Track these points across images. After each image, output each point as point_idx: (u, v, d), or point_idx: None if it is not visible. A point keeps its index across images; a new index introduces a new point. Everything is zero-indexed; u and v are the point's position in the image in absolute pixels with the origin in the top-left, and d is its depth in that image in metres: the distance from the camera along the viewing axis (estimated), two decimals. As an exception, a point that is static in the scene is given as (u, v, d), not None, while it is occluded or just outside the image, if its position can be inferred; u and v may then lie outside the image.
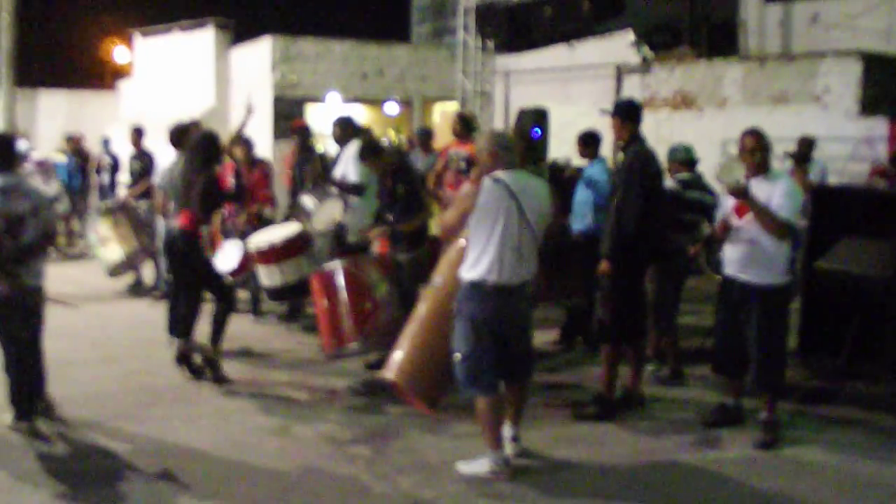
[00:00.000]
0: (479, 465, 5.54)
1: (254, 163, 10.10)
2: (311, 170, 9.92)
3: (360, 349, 7.22)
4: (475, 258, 5.35)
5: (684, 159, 7.84)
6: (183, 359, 7.57)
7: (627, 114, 6.72)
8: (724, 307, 6.44)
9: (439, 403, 6.21)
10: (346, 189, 8.52)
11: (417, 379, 5.99)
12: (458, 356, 5.47)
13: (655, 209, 6.59)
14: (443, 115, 21.72)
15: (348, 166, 8.56)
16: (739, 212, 6.18)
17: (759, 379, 6.25)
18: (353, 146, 8.62)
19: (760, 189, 6.08)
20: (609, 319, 6.62)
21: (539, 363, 8.06)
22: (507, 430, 5.75)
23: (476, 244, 5.36)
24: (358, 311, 7.03)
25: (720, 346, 6.57)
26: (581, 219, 8.22)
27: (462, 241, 5.92)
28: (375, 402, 6.94)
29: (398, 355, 6.09)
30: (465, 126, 10.35)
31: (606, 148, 7.09)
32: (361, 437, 6.26)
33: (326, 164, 10.10)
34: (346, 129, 8.88)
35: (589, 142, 8.50)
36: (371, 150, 7.79)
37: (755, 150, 6.14)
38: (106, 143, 15.70)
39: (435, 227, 8.73)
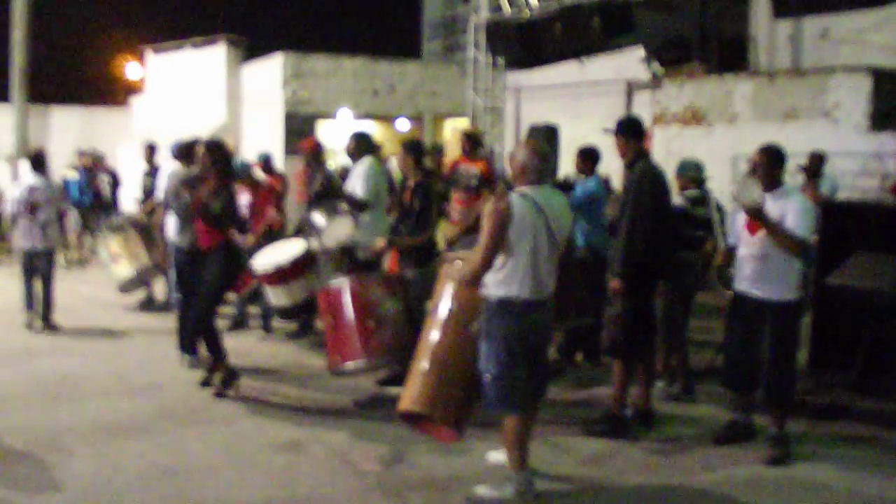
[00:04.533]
0: (503, 489, 5.44)
1: (257, 184, 10.18)
2: (314, 186, 9.93)
3: (366, 367, 7.17)
4: (505, 275, 5.23)
5: (694, 177, 7.80)
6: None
7: (631, 131, 6.70)
8: (735, 322, 6.43)
9: (465, 428, 5.89)
10: (352, 205, 8.53)
11: (444, 406, 5.67)
12: (488, 376, 5.31)
13: (664, 226, 6.59)
14: (454, 131, 21.79)
15: (357, 182, 8.58)
16: (751, 228, 6.18)
17: (769, 394, 6.24)
18: (365, 163, 8.64)
19: (773, 205, 6.09)
20: (620, 337, 6.61)
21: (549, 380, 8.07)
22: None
23: (506, 261, 5.22)
24: (363, 329, 7.00)
25: (730, 361, 6.55)
26: (579, 235, 8.24)
27: (460, 263, 5.83)
28: (385, 418, 6.94)
29: (418, 387, 5.72)
30: (472, 143, 10.43)
31: (616, 165, 7.08)
32: (371, 453, 6.26)
33: (335, 181, 10.13)
34: (359, 145, 8.87)
35: (589, 156, 8.54)
36: (416, 148, 7.97)
37: (762, 166, 6.17)
38: (101, 159, 15.76)
39: (443, 242, 8.76)
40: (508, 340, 5.26)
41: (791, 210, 6.03)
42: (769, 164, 6.18)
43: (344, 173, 11.75)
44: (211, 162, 7.47)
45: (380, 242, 8.01)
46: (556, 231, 5.30)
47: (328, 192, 9.40)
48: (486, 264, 5.21)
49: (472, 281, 5.34)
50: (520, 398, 5.34)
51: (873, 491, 5.75)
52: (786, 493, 5.68)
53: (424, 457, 6.13)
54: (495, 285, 5.28)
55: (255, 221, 9.78)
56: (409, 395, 5.73)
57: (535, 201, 5.22)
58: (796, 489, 5.75)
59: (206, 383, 7.74)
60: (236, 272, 7.84)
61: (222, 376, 7.61)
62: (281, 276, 8.51)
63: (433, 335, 5.79)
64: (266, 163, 11.30)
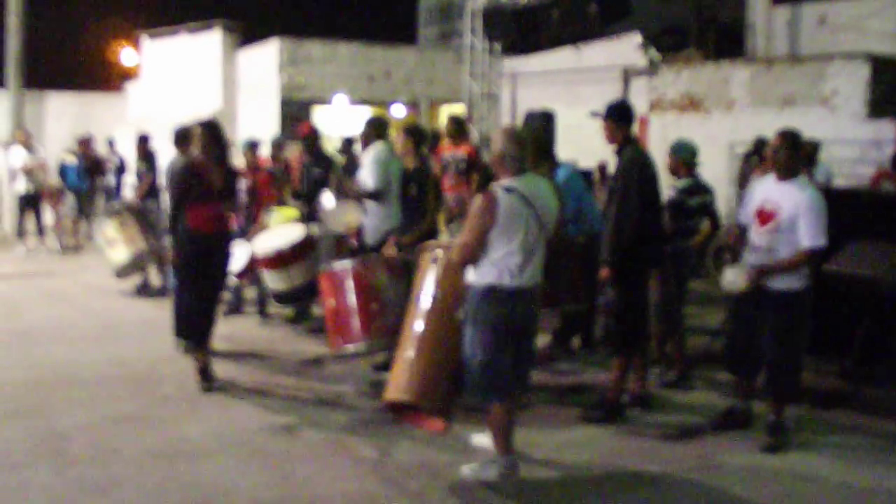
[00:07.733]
0: (488, 470, 5.48)
1: (258, 167, 10.20)
2: (312, 173, 9.89)
3: (367, 349, 7.20)
4: (494, 264, 5.24)
5: (688, 161, 7.72)
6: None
7: (620, 116, 6.60)
8: (740, 309, 6.36)
9: (452, 416, 5.86)
10: (364, 196, 8.39)
11: (432, 395, 5.63)
12: (475, 362, 5.30)
13: (653, 212, 6.56)
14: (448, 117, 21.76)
15: (367, 170, 8.34)
16: (762, 218, 6.12)
17: (771, 383, 6.20)
18: (375, 148, 8.42)
19: (786, 194, 6.00)
20: (617, 327, 6.58)
21: (545, 366, 8.07)
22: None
23: (495, 251, 5.23)
24: (365, 312, 6.99)
25: (734, 347, 6.51)
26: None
27: (440, 252, 5.84)
28: (382, 404, 6.93)
29: (405, 376, 5.66)
30: (457, 128, 10.38)
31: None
32: (368, 439, 6.26)
33: (336, 168, 10.09)
34: (369, 131, 8.55)
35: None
36: (415, 132, 7.90)
37: (779, 149, 6.06)
38: (111, 144, 15.73)
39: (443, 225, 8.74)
40: (495, 326, 5.27)
41: (804, 212, 5.92)
42: (787, 150, 6.05)
43: (349, 160, 11.78)
44: (211, 141, 7.35)
45: (389, 248, 7.87)
46: (544, 219, 5.34)
47: (339, 187, 9.30)
48: (469, 257, 5.29)
49: (456, 269, 5.44)
50: (504, 385, 5.36)
51: (869, 480, 5.74)
52: (782, 482, 5.68)
53: (421, 442, 6.13)
54: (483, 273, 5.30)
55: (256, 207, 9.78)
56: (397, 385, 5.68)
57: (522, 194, 5.24)
58: (791, 477, 5.75)
59: (207, 379, 7.41)
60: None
61: (202, 364, 7.40)
62: (280, 260, 8.49)
63: (418, 324, 5.75)
64: (252, 150, 11.24)
